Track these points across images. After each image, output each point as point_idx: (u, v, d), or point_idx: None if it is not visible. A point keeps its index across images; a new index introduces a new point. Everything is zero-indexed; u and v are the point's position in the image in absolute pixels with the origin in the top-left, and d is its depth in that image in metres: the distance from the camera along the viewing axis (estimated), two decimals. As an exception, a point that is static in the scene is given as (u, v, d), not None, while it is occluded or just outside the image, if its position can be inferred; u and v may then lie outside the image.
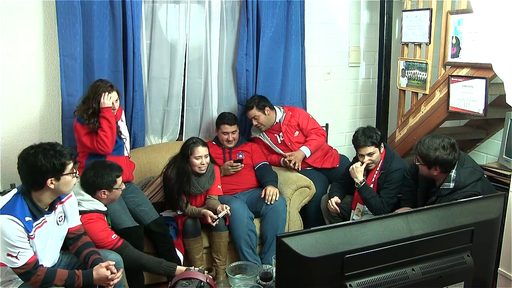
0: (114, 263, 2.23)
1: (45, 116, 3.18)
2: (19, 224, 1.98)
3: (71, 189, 2.18)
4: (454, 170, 2.57)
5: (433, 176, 2.63)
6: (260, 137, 3.62)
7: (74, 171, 2.14)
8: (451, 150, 2.54)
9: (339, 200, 3.11)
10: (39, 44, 3.08)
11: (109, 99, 2.73)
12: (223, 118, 3.41)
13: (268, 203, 3.13)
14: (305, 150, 3.49)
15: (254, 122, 3.51)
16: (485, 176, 2.73)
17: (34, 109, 3.14)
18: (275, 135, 3.58)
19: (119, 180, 2.54)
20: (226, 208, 2.91)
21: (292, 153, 3.48)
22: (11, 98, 3.05)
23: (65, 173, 2.08)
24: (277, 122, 3.56)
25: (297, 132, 3.56)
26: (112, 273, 2.18)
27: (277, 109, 3.58)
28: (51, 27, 3.05)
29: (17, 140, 3.06)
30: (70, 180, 2.13)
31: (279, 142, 3.57)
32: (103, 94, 2.71)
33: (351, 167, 3.04)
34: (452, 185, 2.55)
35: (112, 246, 2.43)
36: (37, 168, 2.02)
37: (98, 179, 2.44)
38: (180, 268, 2.43)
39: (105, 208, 2.55)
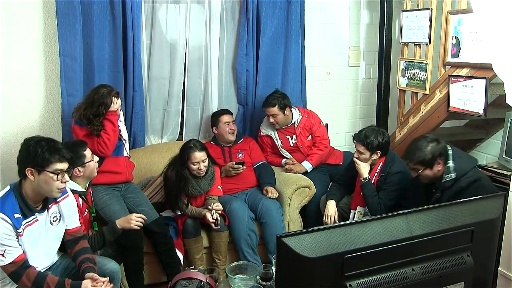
0: (97, 276, 2.13)
1: (45, 116, 3.17)
2: (7, 222, 1.97)
3: (51, 190, 2.06)
4: (450, 161, 2.57)
5: (438, 174, 2.60)
6: (271, 136, 3.60)
7: (62, 175, 2.05)
8: (435, 140, 2.59)
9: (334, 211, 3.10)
10: (39, 44, 3.07)
11: (116, 105, 2.80)
12: (221, 111, 3.46)
13: (272, 196, 3.23)
14: (307, 166, 3.51)
15: (271, 120, 3.48)
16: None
17: (34, 109, 3.14)
18: (287, 136, 3.56)
19: (87, 153, 2.53)
20: (216, 206, 2.96)
21: (295, 162, 3.50)
22: (11, 98, 3.04)
23: (47, 170, 2.02)
24: (292, 123, 3.55)
25: (310, 136, 3.57)
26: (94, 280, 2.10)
27: (293, 110, 3.58)
28: (51, 27, 3.05)
29: (17, 140, 3.03)
30: (51, 182, 2.03)
31: (291, 144, 3.56)
32: (114, 99, 2.77)
33: (356, 160, 3.02)
34: (453, 175, 2.55)
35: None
36: (25, 153, 2.03)
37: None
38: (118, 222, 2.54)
39: (83, 189, 2.54)
